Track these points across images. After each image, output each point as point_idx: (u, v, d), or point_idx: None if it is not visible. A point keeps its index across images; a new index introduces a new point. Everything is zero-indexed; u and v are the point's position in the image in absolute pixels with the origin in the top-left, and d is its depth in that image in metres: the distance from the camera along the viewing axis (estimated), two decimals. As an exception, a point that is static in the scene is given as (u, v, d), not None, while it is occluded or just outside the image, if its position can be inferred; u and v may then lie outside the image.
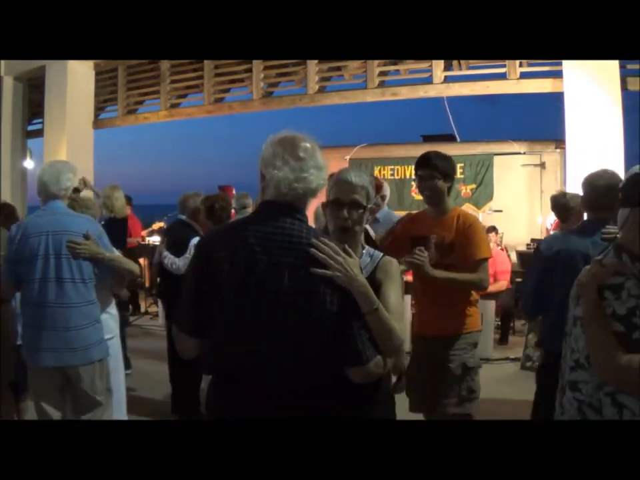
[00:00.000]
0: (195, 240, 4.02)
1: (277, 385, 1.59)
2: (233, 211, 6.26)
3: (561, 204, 3.96)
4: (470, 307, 2.98)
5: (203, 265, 1.64)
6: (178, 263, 4.01)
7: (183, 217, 4.55)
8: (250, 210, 6.00)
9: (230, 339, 1.62)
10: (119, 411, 3.73)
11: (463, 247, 2.88)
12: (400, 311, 1.82)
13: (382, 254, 1.97)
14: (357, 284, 1.61)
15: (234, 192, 7.46)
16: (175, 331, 1.76)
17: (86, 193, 3.92)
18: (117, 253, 3.24)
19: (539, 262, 2.91)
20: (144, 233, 9.66)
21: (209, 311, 1.63)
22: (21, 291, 3.04)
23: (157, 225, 10.12)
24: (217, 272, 1.59)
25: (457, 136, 9.86)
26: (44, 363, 2.94)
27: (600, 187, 2.69)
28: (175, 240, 4.38)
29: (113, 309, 3.48)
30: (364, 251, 2.00)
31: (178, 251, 4.07)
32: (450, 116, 8.79)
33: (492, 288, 7.05)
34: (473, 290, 2.98)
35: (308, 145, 1.64)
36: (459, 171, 9.58)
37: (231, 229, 1.75)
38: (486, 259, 2.93)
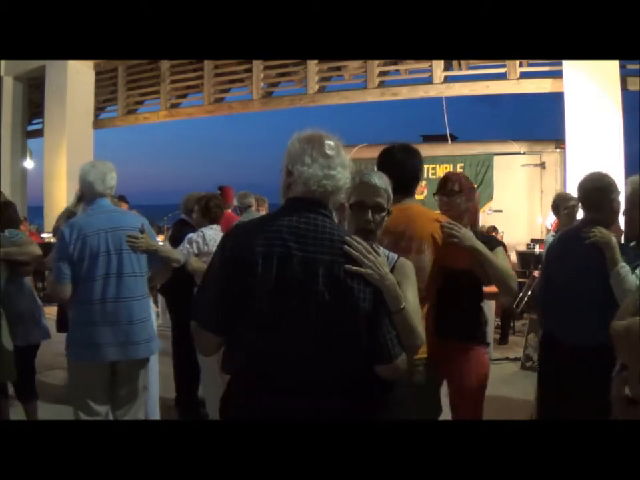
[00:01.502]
0: (191, 234, 4.12)
1: (303, 382, 1.57)
2: (238, 209, 6.28)
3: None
4: None
5: (234, 259, 1.60)
6: None
7: (184, 216, 4.69)
8: (254, 208, 6.02)
9: (260, 336, 1.59)
10: (153, 404, 3.80)
11: None
12: (419, 312, 1.83)
13: (397, 255, 1.94)
14: (388, 282, 1.63)
15: (233, 192, 7.51)
16: (194, 328, 1.69)
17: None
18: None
19: (543, 263, 3.19)
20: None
21: (236, 306, 1.60)
22: (76, 290, 3.01)
23: (161, 237, 10.11)
24: (250, 266, 1.56)
25: (449, 137, 9.87)
26: (106, 358, 2.95)
27: (588, 189, 2.85)
28: (173, 235, 4.56)
29: (151, 302, 3.52)
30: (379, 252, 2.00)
31: (175, 245, 4.20)
32: (446, 116, 8.79)
33: (492, 288, 7.05)
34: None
35: (333, 143, 1.67)
36: (458, 171, 9.59)
37: (261, 224, 1.66)
38: None
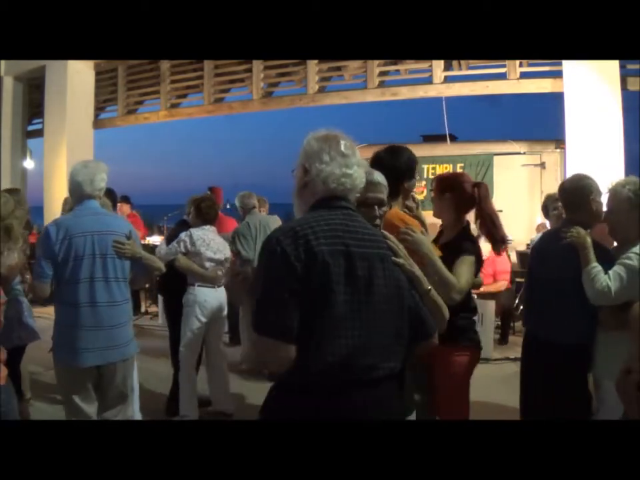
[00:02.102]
0: (181, 233, 4.30)
1: (367, 374, 1.58)
2: (241, 210, 6.25)
3: None
4: None
5: (304, 262, 1.53)
6: (162, 249, 4.38)
7: (186, 217, 4.78)
8: (257, 210, 5.92)
9: (338, 334, 1.55)
10: (134, 402, 3.80)
11: None
12: None
13: None
14: (415, 269, 1.79)
15: (222, 193, 7.56)
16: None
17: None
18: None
19: (527, 263, 3.25)
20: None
21: (314, 307, 1.54)
22: (58, 291, 2.98)
23: (161, 238, 10.12)
24: (323, 266, 1.54)
25: (448, 137, 9.87)
26: (87, 362, 2.92)
27: (566, 190, 2.94)
28: (169, 235, 4.74)
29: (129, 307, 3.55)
30: None
31: (168, 244, 4.42)
32: (445, 117, 8.78)
33: (492, 288, 7.05)
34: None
35: (348, 143, 1.72)
36: (458, 171, 9.58)
37: (309, 224, 1.60)
38: None
